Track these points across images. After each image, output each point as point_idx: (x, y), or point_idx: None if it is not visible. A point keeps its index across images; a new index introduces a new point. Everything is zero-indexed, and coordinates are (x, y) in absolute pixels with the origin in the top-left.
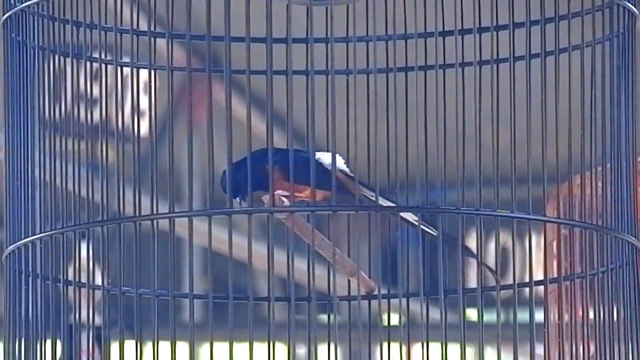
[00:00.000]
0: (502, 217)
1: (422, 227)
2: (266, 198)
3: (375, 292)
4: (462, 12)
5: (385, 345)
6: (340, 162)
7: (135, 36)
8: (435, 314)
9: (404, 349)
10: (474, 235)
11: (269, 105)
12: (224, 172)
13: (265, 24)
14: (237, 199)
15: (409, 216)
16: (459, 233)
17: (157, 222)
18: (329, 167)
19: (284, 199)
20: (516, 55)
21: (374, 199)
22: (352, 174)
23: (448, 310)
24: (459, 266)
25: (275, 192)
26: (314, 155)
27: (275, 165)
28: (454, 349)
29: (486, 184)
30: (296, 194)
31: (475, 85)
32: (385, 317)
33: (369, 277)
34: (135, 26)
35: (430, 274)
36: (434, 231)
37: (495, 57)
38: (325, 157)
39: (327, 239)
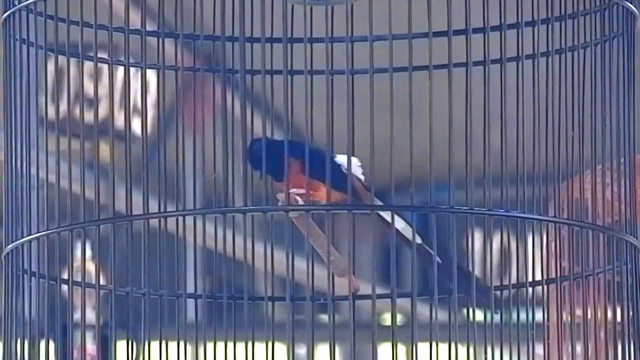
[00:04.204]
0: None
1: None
2: (280, 197)
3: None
4: (467, 11)
5: (383, 344)
6: (358, 170)
7: (134, 36)
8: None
9: (404, 349)
10: (476, 235)
11: (288, 107)
12: (252, 143)
13: (262, 24)
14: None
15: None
16: (460, 233)
17: (160, 221)
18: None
19: (298, 198)
20: (517, 55)
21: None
22: (367, 184)
23: (444, 310)
24: (471, 265)
25: (290, 191)
26: (331, 156)
27: (295, 158)
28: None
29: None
30: (310, 192)
31: (486, 84)
32: (387, 316)
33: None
34: (135, 26)
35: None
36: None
37: (492, 57)
38: (343, 160)
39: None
